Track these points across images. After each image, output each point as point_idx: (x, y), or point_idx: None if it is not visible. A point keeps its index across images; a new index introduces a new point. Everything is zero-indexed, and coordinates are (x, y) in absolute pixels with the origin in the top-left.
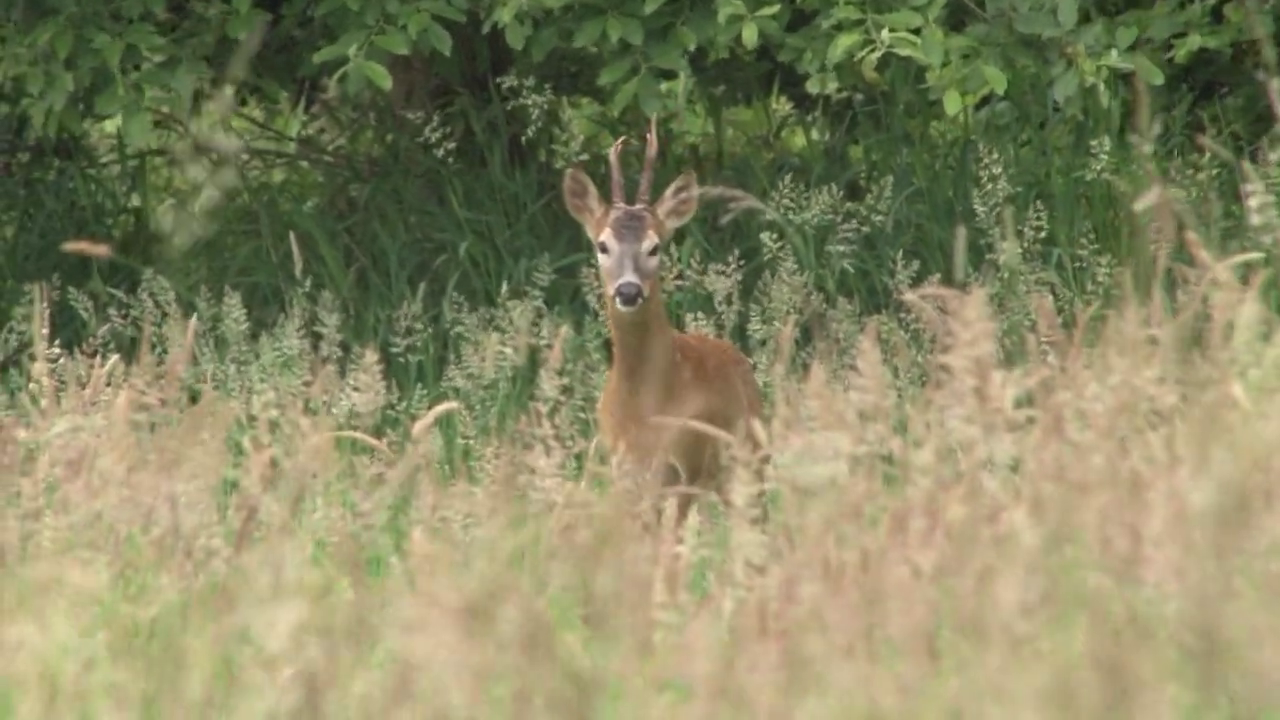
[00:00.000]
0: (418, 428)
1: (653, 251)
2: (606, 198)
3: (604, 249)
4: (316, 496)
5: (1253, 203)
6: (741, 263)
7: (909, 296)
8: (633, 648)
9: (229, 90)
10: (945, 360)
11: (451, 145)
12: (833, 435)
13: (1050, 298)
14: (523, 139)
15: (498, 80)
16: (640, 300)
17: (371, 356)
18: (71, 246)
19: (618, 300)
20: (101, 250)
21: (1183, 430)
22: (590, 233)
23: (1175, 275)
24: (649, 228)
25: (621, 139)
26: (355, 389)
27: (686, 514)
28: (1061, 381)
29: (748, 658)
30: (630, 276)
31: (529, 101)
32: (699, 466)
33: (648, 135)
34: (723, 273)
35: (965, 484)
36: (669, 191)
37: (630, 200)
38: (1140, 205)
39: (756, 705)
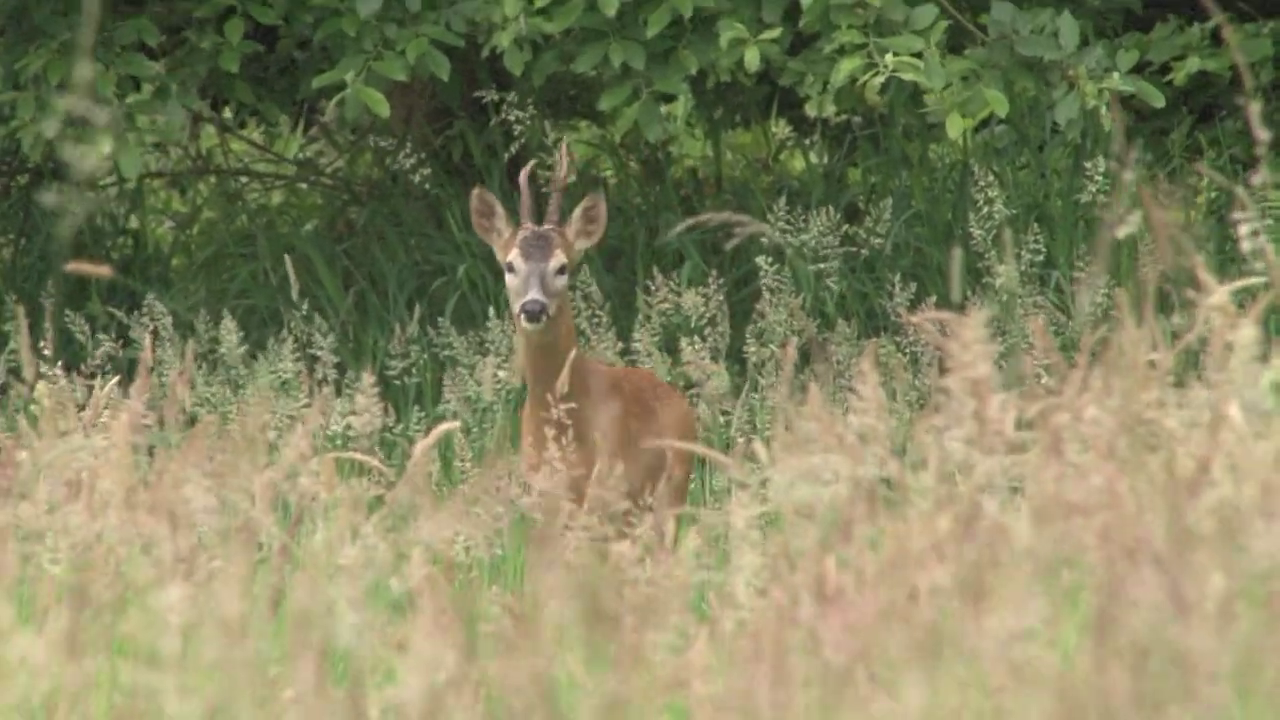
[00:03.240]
0: (419, 449)
1: (560, 270)
2: (514, 220)
3: (511, 269)
4: (316, 519)
5: (1243, 230)
6: (721, 282)
7: (914, 319)
8: (632, 670)
9: (85, 73)
10: (945, 382)
11: (427, 171)
12: (831, 457)
13: (1044, 319)
14: (506, 156)
15: (481, 100)
16: (545, 318)
17: (369, 379)
18: (73, 267)
19: (523, 318)
20: (103, 270)
21: (1181, 452)
22: (498, 254)
23: (1171, 298)
24: (556, 247)
25: (532, 163)
26: (353, 412)
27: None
28: (1060, 404)
29: (744, 680)
30: (536, 294)
31: (512, 118)
32: (636, 489)
33: (559, 157)
34: (704, 295)
35: (964, 505)
36: (576, 212)
37: (539, 222)
38: (1122, 231)
39: None
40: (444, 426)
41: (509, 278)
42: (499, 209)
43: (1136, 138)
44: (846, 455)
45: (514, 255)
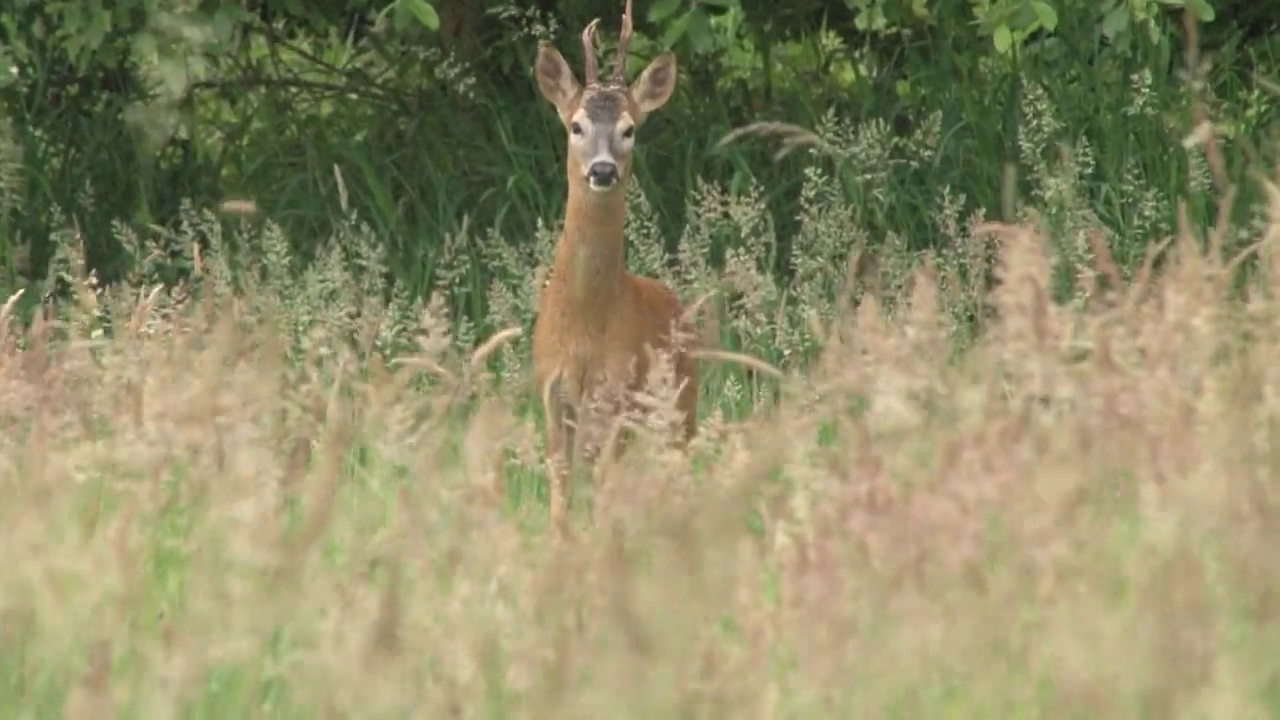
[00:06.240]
0: (477, 355)
1: (627, 132)
2: (580, 79)
3: (578, 129)
4: (368, 428)
5: None
6: (761, 191)
7: (983, 228)
8: (685, 583)
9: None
10: (999, 295)
11: (471, 81)
12: (885, 369)
13: (1106, 231)
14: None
15: (500, 15)
16: (614, 181)
17: (437, 301)
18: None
19: (592, 180)
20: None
21: (1238, 365)
22: (563, 115)
23: (1220, 210)
24: (624, 109)
25: (595, 21)
26: (421, 331)
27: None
28: (1118, 316)
29: (792, 592)
30: (605, 155)
31: (536, 34)
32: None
33: (623, 16)
34: (749, 203)
35: (1017, 417)
36: (645, 73)
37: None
38: (1189, 141)
39: (801, 639)
40: (503, 334)
41: (574, 138)
42: (564, 68)
43: (1184, 51)
44: (900, 368)
45: (580, 115)
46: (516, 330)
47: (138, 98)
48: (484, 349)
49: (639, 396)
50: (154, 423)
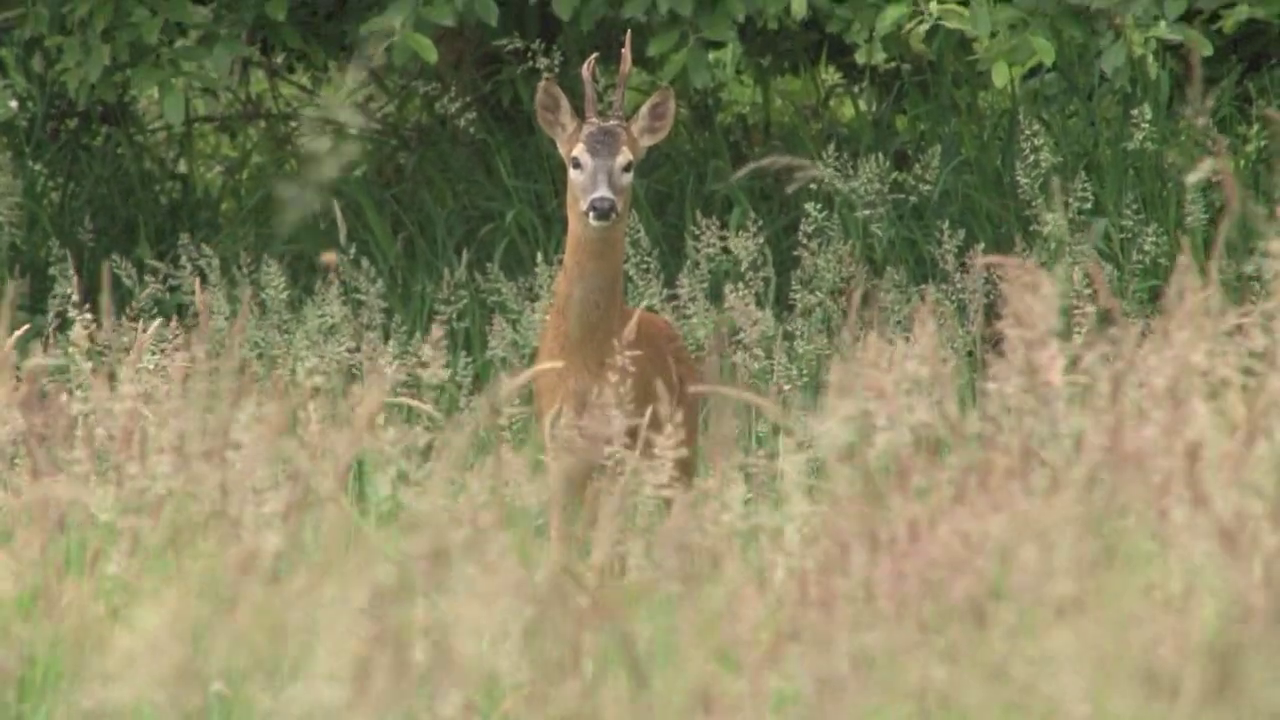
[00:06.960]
0: (506, 390)
1: (627, 167)
2: (580, 114)
3: (576, 164)
4: (372, 468)
5: None
6: (760, 225)
7: (981, 260)
8: (684, 617)
9: (357, 73)
10: (1005, 332)
11: (472, 115)
12: (886, 404)
13: (1106, 267)
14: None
15: (505, 48)
16: (614, 216)
17: (438, 331)
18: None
19: (591, 215)
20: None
21: (1239, 401)
22: (562, 150)
23: (1223, 244)
24: (623, 143)
25: (594, 55)
26: (421, 364)
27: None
28: (1119, 352)
29: (791, 626)
30: (604, 191)
31: (541, 66)
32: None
33: (622, 51)
34: (748, 238)
35: (1018, 452)
36: (644, 108)
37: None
38: (1192, 177)
39: (802, 673)
40: (541, 367)
41: (574, 173)
42: (564, 102)
43: (1184, 86)
44: (904, 402)
45: (580, 150)
46: (558, 364)
47: (137, 132)
48: (515, 382)
49: (645, 435)
50: (160, 458)
